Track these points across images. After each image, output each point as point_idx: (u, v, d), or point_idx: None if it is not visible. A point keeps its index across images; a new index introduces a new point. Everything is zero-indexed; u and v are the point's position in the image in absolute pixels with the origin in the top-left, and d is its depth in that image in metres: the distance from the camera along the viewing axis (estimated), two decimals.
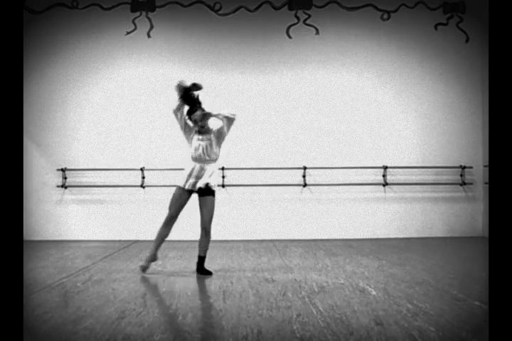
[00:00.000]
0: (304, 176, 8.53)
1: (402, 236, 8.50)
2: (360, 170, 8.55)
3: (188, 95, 5.23)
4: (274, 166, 8.51)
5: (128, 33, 7.88)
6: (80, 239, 8.41)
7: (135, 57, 8.64)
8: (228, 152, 8.55)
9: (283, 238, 8.39)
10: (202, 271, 5.26)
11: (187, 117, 5.29)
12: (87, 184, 8.55)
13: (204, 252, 5.31)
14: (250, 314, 3.58)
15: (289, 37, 7.86)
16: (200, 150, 5.20)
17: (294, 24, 7.81)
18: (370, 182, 8.57)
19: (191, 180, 5.19)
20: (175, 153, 8.25)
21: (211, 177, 5.21)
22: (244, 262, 6.04)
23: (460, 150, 8.66)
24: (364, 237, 8.40)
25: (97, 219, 8.56)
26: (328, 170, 8.54)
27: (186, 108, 5.30)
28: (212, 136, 5.30)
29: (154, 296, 4.40)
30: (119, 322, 3.38)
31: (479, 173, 8.62)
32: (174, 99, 5.25)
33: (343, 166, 8.52)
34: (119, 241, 8.25)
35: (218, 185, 8.36)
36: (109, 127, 8.59)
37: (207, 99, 8.65)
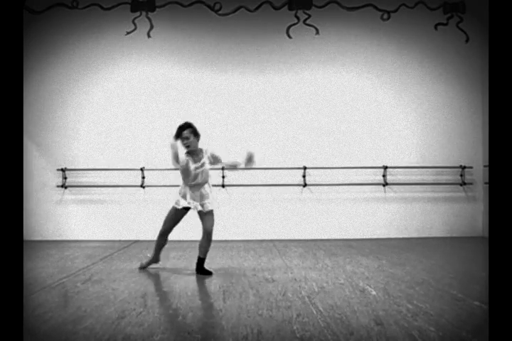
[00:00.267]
0: (304, 176, 8.53)
1: (402, 236, 8.50)
2: (360, 170, 8.55)
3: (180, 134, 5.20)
4: (274, 166, 8.51)
5: (128, 33, 7.88)
6: (80, 239, 8.41)
7: (135, 57, 8.64)
8: (228, 152, 8.56)
9: (283, 238, 8.39)
10: (202, 271, 5.26)
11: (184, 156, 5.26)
12: (87, 184, 8.55)
13: (204, 254, 5.32)
14: (250, 314, 3.58)
15: (289, 37, 7.86)
16: (199, 178, 5.21)
17: (294, 24, 7.82)
18: (370, 182, 8.57)
19: (188, 201, 5.23)
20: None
21: (208, 198, 5.23)
22: (244, 262, 6.04)
23: (460, 150, 8.66)
24: (364, 237, 8.40)
25: (97, 219, 8.56)
26: (328, 170, 8.54)
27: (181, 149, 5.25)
28: (205, 160, 5.26)
29: (154, 296, 4.40)
30: (119, 322, 3.38)
31: (479, 173, 8.61)
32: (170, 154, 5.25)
33: (343, 166, 8.52)
34: (119, 241, 8.25)
35: (218, 185, 8.39)
36: (109, 127, 8.59)
37: (207, 99, 8.68)
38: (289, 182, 8.56)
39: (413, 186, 8.61)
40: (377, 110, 8.66)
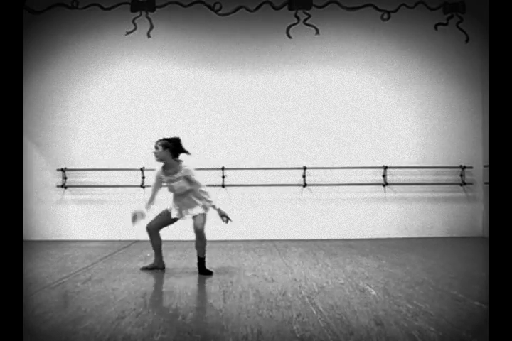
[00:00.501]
0: (304, 176, 8.53)
1: (402, 236, 8.50)
2: (360, 170, 8.55)
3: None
4: (274, 166, 8.51)
5: (128, 33, 7.88)
6: (80, 239, 8.41)
7: (135, 57, 8.64)
8: (228, 152, 8.57)
9: (283, 238, 8.39)
10: (203, 271, 5.26)
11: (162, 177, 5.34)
12: (87, 184, 8.55)
13: (202, 253, 5.33)
14: (250, 314, 3.58)
15: (289, 37, 7.86)
16: (175, 190, 5.30)
17: (294, 24, 7.81)
18: (370, 182, 8.57)
19: (175, 212, 5.34)
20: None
21: (194, 207, 5.28)
22: (244, 262, 6.04)
23: (460, 150, 8.66)
24: (364, 237, 8.40)
25: (97, 219, 8.55)
26: (328, 170, 8.54)
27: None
28: (181, 175, 5.27)
29: (154, 296, 4.40)
30: (119, 322, 3.38)
31: (479, 173, 8.61)
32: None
33: (343, 166, 8.52)
34: (119, 241, 8.25)
35: (218, 185, 8.39)
36: (109, 127, 8.59)
37: (207, 99, 8.67)
38: (289, 182, 8.56)
39: (413, 186, 8.61)
40: (377, 110, 8.66)
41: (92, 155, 8.58)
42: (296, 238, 8.38)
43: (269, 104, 8.62)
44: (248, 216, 8.50)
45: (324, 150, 8.59)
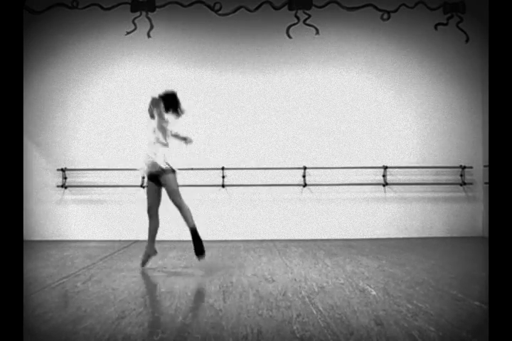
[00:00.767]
0: (304, 176, 8.53)
1: (402, 236, 8.50)
2: (360, 170, 8.55)
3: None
4: (274, 166, 8.52)
5: (128, 33, 7.89)
6: (80, 239, 8.41)
7: (135, 57, 8.63)
8: (228, 152, 8.57)
9: (283, 238, 8.39)
10: (198, 248, 5.31)
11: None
12: (87, 184, 8.56)
13: (191, 223, 5.37)
14: (250, 314, 3.58)
15: (289, 37, 7.87)
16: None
17: (294, 24, 7.82)
18: (370, 182, 8.57)
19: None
20: (174, 152, 8.22)
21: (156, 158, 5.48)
22: (244, 262, 6.04)
23: (460, 150, 8.66)
24: (364, 237, 8.40)
25: (97, 219, 8.56)
26: (328, 170, 8.54)
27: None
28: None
29: (154, 296, 4.40)
30: (119, 322, 3.38)
31: (479, 173, 8.61)
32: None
33: (343, 166, 8.52)
34: (119, 241, 8.25)
35: (218, 185, 8.40)
36: (109, 127, 8.59)
37: (207, 99, 8.68)
38: (289, 182, 8.56)
39: (413, 186, 8.61)
40: (377, 110, 8.66)
41: (92, 155, 8.58)
42: (296, 238, 8.38)
43: (269, 104, 8.62)
44: (248, 216, 8.50)
45: (324, 150, 8.59)
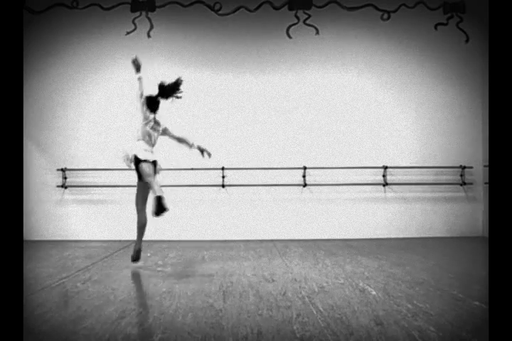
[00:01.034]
0: (304, 176, 8.53)
1: (402, 236, 8.50)
2: (360, 170, 8.55)
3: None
4: (274, 166, 8.51)
5: (128, 33, 7.88)
6: (80, 239, 8.41)
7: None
8: (228, 152, 8.57)
9: (283, 238, 8.39)
10: (159, 208, 5.38)
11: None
12: (87, 184, 8.55)
13: (155, 191, 5.56)
14: (250, 314, 3.58)
15: (289, 37, 7.86)
16: (152, 140, 6.05)
17: (294, 24, 7.82)
18: (370, 182, 8.57)
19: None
20: (174, 152, 8.24)
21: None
22: (244, 262, 6.04)
23: (460, 150, 8.66)
24: (364, 237, 8.40)
25: (97, 219, 8.55)
26: (328, 170, 8.54)
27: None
28: (160, 129, 6.18)
29: (154, 296, 4.40)
30: (119, 322, 3.38)
31: (479, 173, 8.61)
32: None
33: (343, 166, 8.52)
34: (119, 241, 8.25)
35: (218, 185, 8.40)
36: (109, 127, 8.59)
37: (207, 99, 8.68)
38: (289, 182, 8.56)
39: (413, 186, 8.61)
40: (377, 110, 8.66)
41: (92, 155, 8.58)
42: (296, 238, 8.38)
43: (269, 104, 8.62)
44: (248, 216, 8.50)
45: (324, 150, 8.59)
